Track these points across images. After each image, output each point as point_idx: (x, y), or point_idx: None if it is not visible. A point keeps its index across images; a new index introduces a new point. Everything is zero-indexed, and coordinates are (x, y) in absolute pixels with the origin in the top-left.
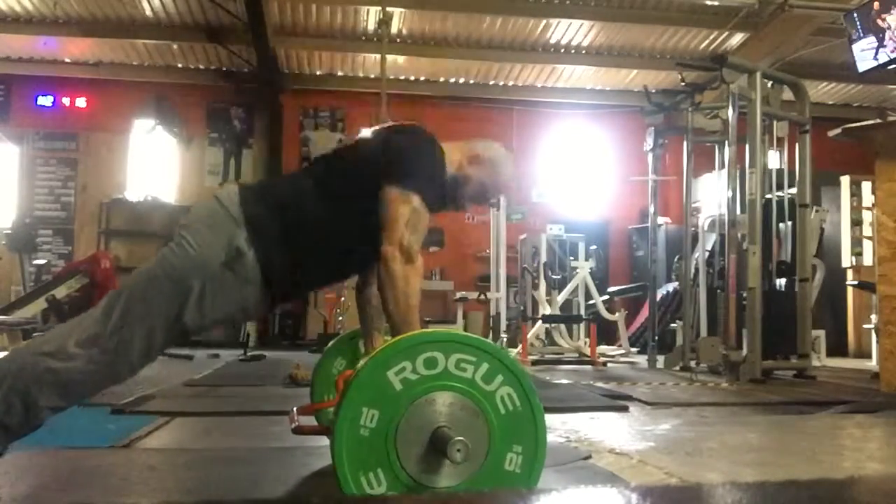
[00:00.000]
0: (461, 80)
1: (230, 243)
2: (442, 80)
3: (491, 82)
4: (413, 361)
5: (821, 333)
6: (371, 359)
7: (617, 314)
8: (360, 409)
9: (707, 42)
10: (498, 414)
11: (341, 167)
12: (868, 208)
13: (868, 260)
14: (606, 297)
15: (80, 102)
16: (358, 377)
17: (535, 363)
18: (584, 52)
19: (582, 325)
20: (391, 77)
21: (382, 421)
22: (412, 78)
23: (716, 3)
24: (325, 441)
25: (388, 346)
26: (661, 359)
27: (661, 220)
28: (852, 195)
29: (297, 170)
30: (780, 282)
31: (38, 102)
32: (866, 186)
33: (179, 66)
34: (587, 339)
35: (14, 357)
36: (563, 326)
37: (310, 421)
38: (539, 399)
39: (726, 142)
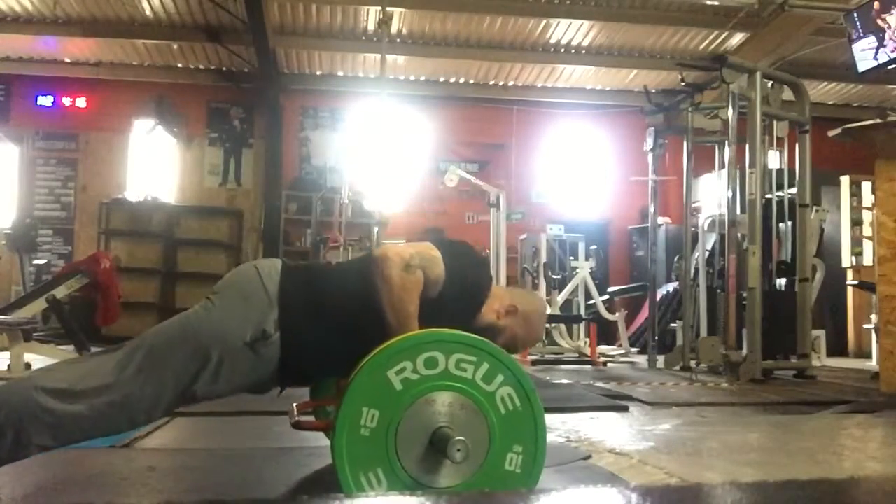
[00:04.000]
0: (461, 80)
1: (259, 323)
2: (442, 80)
3: (491, 82)
4: (413, 361)
5: (821, 333)
6: (371, 359)
7: (617, 314)
8: (361, 408)
9: (707, 42)
10: (498, 414)
11: None
12: (868, 208)
13: (868, 260)
14: (606, 297)
15: (80, 102)
16: (358, 377)
17: (535, 363)
18: (584, 52)
19: (582, 325)
20: (391, 77)
21: (383, 421)
22: (412, 78)
23: (716, 3)
24: (325, 441)
25: (388, 345)
26: (661, 359)
27: (661, 220)
28: (852, 195)
29: (350, 260)
30: (780, 282)
31: (38, 102)
32: (866, 186)
33: (179, 66)
34: (587, 339)
35: (17, 389)
36: (563, 326)
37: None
38: (539, 399)
39: (726, 142)
